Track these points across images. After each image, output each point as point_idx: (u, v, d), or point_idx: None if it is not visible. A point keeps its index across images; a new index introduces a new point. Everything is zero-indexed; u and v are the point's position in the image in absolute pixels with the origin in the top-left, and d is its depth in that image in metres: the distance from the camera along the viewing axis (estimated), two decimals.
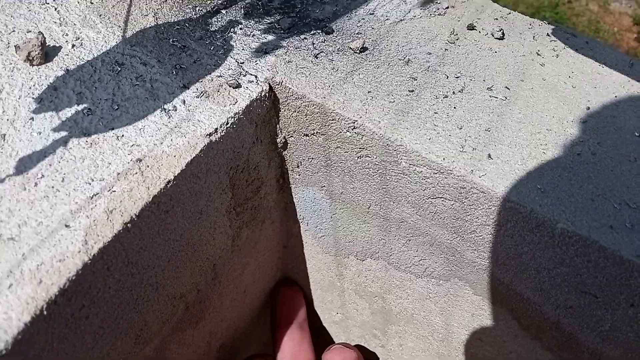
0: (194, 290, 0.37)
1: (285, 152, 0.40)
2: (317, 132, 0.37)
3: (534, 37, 0.41)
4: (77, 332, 0.27)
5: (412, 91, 0.35)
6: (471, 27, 0.41)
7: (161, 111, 0.33)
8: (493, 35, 0.40)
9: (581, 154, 0.32)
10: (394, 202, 0.36)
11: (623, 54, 0.41)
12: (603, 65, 0.39)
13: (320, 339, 0.57)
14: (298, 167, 0.41)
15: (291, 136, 0.39)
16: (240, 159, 0.36)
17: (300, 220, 0.45)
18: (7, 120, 0.31)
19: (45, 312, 0.24)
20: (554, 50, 0.40)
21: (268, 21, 0.40)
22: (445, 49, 0.39)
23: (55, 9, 0.38)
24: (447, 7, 0.43)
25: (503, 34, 0.40)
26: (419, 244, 0.37)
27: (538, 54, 0.39)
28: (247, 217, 0.40)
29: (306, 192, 0.42)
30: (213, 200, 0.35)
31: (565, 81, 0.37)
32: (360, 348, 0.54)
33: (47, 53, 0.35)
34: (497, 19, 0.42)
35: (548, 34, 0.41)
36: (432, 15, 0.42)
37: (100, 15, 0.38)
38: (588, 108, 0.35)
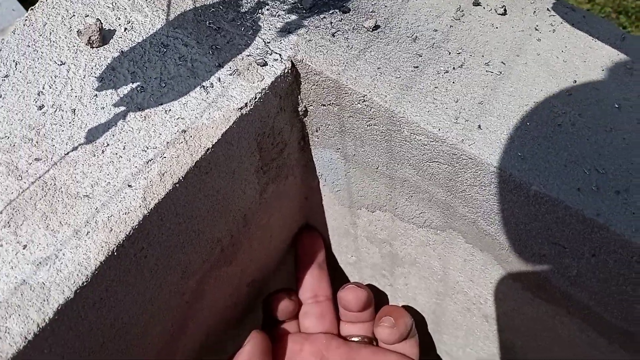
0: (228, 235, 0.43)
1: (306, 118, 0.44)
2: (332, 103, 0.41)
3: (534, 12, 0.43)
4: (138, 267, 0.33)
5: (417, 67, 0.39)
6: (476, 3, 0.43)
7: (200, 88, 0.37)
8: (496, 11, 0.42)
9: (562, 124, 0.36)
10: (398, 164, 0.41)
11: (617, 28, 0.42)
12: (596, 40, 0.41)
13: (337, 277, 0.64)
14: (317, 131, 0.45)
15: (311, 105, 0.43)
16: (266, 127, 0.41)
17: (319, 177, 0.50)
18: (75, 96, 0.36)
19: (115, 253, 0.30)
20: (552, 25, 0.42)
21: (292, 1, 0.43)
22: (450, 26, 0.41)
23: None
24: None
25: (505, 10, 0.42)
26: (419, 200, 0.42)
27: (536, 29, 0.41)
28: (272, 174, 0.46)
29: (324, 153, 0.47)
30: (243, 161, 0.40)
31: (558, 55, 0.40)
32: (371, 287, 0.60)
33: (104, 36, 0.40)
34: None
35: (548, 9, 0.43)
36: None
37: (146, 0, 0.42)
38: (575, 81, 0.38)
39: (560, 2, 0.44)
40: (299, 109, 0.43)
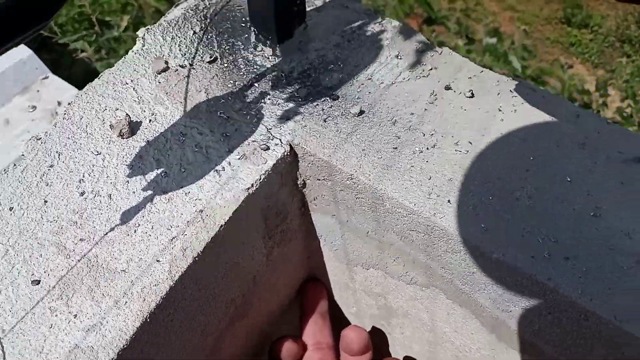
0: (240, 295, 0.51)
1: (305, 190, 0.53)
2: (326, 178, 0.49)
3: (498, 93, 0.51)
4: (166, 330, 0.41)
5: (396, 148, 0.47)
6: (448, 88, 0.52)
7: (214, 172, 0.46)
8: (465, 95, 0.51)
9: (519, 198, 0.43)
10: (384, 231, 0.49)
11: (573, 106, 0.51)
12: (553, 118, 0.49)
13: (343, 326, 0.71)
14: (314, 200, 0.53)
15: (308, 179, 0.51)
16: (270, 201, 0.49)
17: (319, 237, 0.58)
18: (111, 183, 0.45)
19: (148, 319, 0.39)
20: (514, 106, 0.50)
21: (289, 91, 0.52)
22: (425, 109, 0.50)
23: (134, 88, 0.52)
24: (431, 69, 0.54)
25: (472, 93, 0.51)
26: (405, 261, 0.50)
27: (500, 110, 0.50)
28: (277, 239, 0.54)
29: (322, 218, 0.55)
30: (251, 232, 0.48)
31: (518, 134, 0.48)
32: (373, 332, 0.67)
33: (132, 128, 0.49)
34: (470, 77, 0.53)
35: (511, 90, 0.52)
36: (418, 78, 0.53)
37: (167, 93, 0.52)
38: (532, 158, 0.46)
39: (522, 83, 0.52)
40: (298, 182, 0.52)
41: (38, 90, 1.42)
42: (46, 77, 1.43)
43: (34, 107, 1.37)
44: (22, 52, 1.41)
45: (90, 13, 2.33)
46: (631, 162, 0.46)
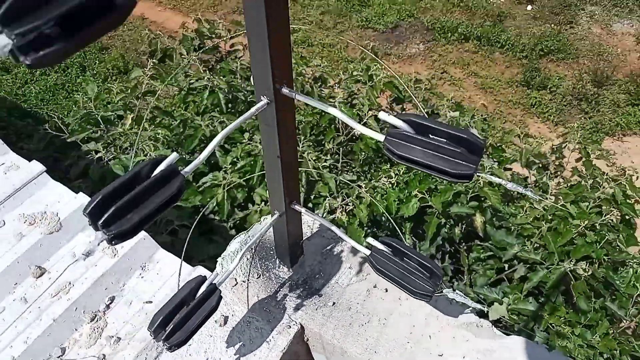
0: None
1: (308, 343, 1.12)
2: (317, 339, 1.08)
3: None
4: None
5: (350, 324, 1.06)
6: (375, 286, 1.11)
7: (265, 343, 1.05)
8: (383, 290, 1.11)
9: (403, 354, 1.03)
10: None
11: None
12: (433, 307, 1.09)
13: None
14: (313, 346, 1.12)
15: (309, 338, 1.10)
16: (292, 355, 1.08)
17: None
18: (219, 351, 1.04)
19: None
20: (407, 298, 1.10)
21: (298, 292, 1.12)
22: (364, 300, 1.10)
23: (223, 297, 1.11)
24: (367, 274, 1.13)
25: (387, 289, 1.10)
26: None
27: (399, 299, 1.09)
28: None
29: (318, 356, 1.14)
30: None
31: (407, 314, 1.08)
32: None
33: (225, 319, 1.07)
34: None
35: None
36: (360, 281, 1.13)
37: (238, 299, 1.11)
38: (411, 333, 1.06)
39: None
40: (304, 339, 1.11)
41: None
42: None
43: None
44: (81, 199, 1.98)
45: (95, 114, 2.89)
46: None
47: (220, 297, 0.77)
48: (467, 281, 2.74)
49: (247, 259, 1.15)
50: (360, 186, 2.44)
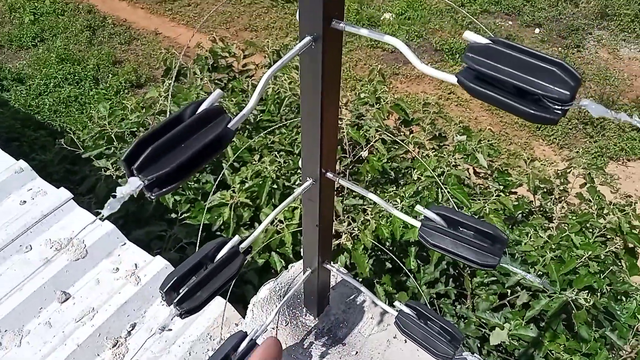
0: None
1: None
2: None
3: None
4: None
5: None
6: (394, 337, 1.18)
7: None
8: (402, 341, 1.17)
9: None
10: None
11: None
12: None
13: None
14: None
15: None
16: None
17: None
18: None
19: None
20: None
21: (323, 340, 1.18)
22: (385, 350, 1.16)
23: None
24: (387, 325, 1.20)
25: (405, 340, 1.17)
26: None
27: (417, 349, 1.16)
28: None
29: None
30: None
31: None
32: None
33: None
34: None
35: None
36: (381, 330, 1.19)
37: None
38: None
39: None
40: None
41: (119, 255, 2.05)
42: (124, 244, 2.07)
43: (117, 269, 2.00)
44: (106, 227, 2.05)
45: (109, 131, 2.97)
46: None
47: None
48: (469, 305, 2.81)
49: (276, 306, 1.22)
50: (365, 210, 2.50)
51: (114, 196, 0.41)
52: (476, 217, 2.36)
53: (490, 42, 0.53)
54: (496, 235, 0.68)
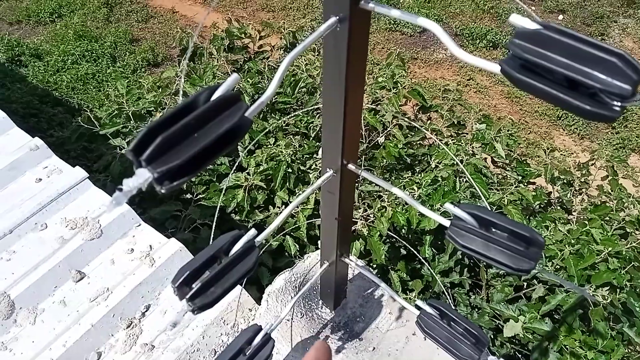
0: None
1: None
2: None
3: None
4: None
5: None
6: (413, 334, 1.14)
7: None
8: (422, 338, 1.13)
9: None
10: None
11: None
12: None
13: None
14: None
15: None
16: None
17: None
18: None
19: None
20: None
21: (339, 334, 1.15)
22: (403, 347, 1.13)
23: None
24: (407, 321, 1.16)
25: (425, 338, 1.13)
26: None
27: (437, 347, 1.12)
28: None
29: None
30: None
31: None
32: None
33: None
34: None
35: None
36: (400, 327, 1.15)
37: (282, 337, 1.14)
38: None
39: None
40: None
41: (134, 236, 2.03)
42: (139, 225, 2.05)
43: (132, 250, 1.98)
44: (121, 207, 2.03)
45: (126, 109, 2.94)
46: None
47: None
48: (484, 296, 2.76)
49: (292, 298, 1.19)
50: (381, 196, 2.44)
51: (120, 189, 0.37)
52: (494, 209, 2.30)
53: (540, 26, 0.45)
54: (532, 238, 0.63)
